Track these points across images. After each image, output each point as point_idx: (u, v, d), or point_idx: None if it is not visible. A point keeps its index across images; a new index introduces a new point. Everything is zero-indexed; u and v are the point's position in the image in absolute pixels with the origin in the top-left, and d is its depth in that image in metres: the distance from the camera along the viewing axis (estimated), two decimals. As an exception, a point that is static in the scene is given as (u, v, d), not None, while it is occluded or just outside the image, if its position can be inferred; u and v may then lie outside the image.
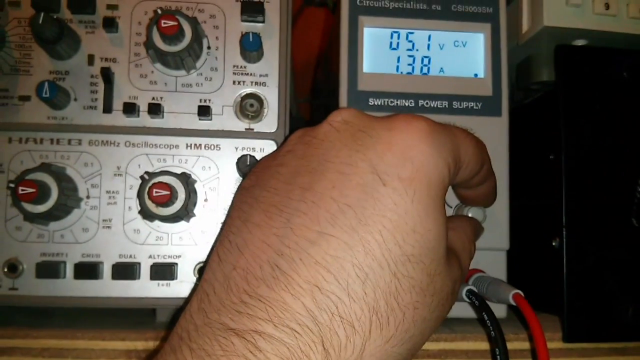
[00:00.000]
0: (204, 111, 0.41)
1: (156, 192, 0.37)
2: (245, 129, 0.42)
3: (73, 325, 0.39)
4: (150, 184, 0.38)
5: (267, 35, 0.43)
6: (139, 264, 0.40)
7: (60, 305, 0.40)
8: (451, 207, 0.41)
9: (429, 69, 0.44)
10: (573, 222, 0.41)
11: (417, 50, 0.44)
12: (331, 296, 0.24)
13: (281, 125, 0.42)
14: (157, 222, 0.40)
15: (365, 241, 0.25)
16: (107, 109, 0.41)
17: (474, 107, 0.43)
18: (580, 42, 0.47)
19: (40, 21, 0.38)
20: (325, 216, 0.26)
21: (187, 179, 0.39)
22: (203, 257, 0.41)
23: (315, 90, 0.76)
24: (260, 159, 0.34)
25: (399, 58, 0.44)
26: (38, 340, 0.38)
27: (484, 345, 0.40)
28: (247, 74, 0.42)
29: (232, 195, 0.34)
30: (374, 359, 0.24)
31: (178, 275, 0.40)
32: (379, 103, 0.43)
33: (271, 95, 0.42)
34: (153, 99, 0.41)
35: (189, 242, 0.41)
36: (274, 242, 0.26)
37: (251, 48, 0.41)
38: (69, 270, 0.40)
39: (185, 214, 0.39)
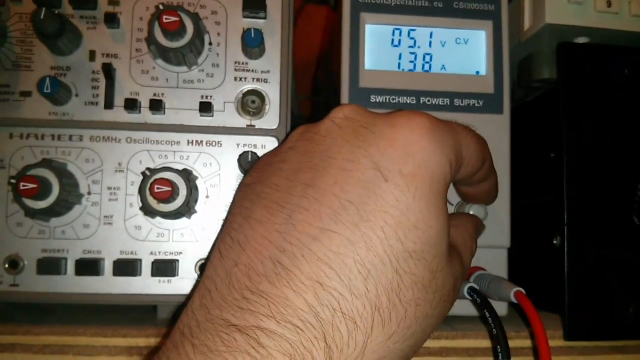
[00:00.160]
0: (205, 107, 0.41)
1: (157, 188, 0.37)
2: (247, 125, 0.42)
3: (74, 322, 0.39)
4: (151, 180, 0.37)
5: (269, 31, 0.43)
6: (140, 260, 0.40)
7: (61, 302, 0.40)
8: (452, 205, 0.41)
9: (430, 66, 0.44)
10: (574, 220, 0.41)
11: (418, 47, 0.44)
12: (333, 292, 0.24)
13: (282, 121, 0.42)
14: (158, 219, 0.40)
15: (367, 237, 0.25)
16: (109, 104, 0.41)
17: (476, 105, 0.43)
18: (581, 40, 0.47)
19: (42, 16, 0.38)
20: (327, 212, 0.26)
21: (188, 175, 0.39)
22: (204, 254, 0.40)
23: (316, 87, 0.76)
24: (262, 156, 0.34)
25: (400, 55, 0.44)
26: (39, 337, 0.38)
27: (485, 343, 0.40)
28: (249, 70, 0.42)
29: (234, 192, 0.34)
30: (375, 356, 0.24)
31: (179, 272, 0.40)
32: (381, 100, 0.43)
33: (273, 92, 0.42)
34: (154, 94, 0.41)
35: (190, 239, 0.41)
36: (276, 238, 0.26)
37: (253, 44, 0.41)
38: (70, 267, 0.40)
39: (186, 210, 0.39)
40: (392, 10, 0.44)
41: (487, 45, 0.44)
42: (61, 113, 0.41)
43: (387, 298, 0.25)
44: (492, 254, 0.43)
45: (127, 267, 0.40)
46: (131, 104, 0.40)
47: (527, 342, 0.40)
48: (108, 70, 0.40)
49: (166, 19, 0.38)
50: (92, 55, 0.41)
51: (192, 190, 0.39)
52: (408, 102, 0.43)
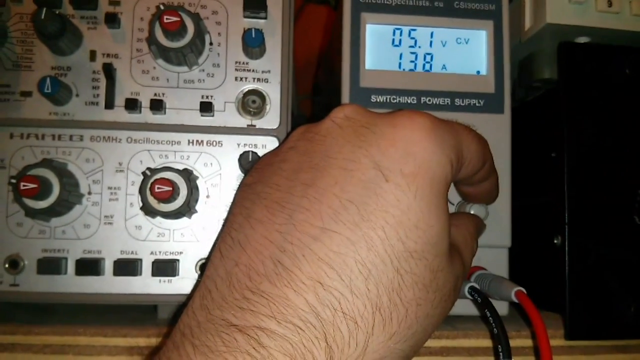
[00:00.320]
0: (206, 107, 0.41)
1: (158, 188, 0.37)
2: (247, 125, 0.42)
3: (74, 322, 0.39)
4: (152, 180, 0.37)
5: (270, 31, 0.43)
6: (141, 260, 0.40)
7: (61, 302, 0.40)
8: (453, 205, 0.41)
9: (431, 65, 0.44)
10: (575, 220, 0.41)
11: (419, 47, 0.44)
12: (334, 292, 0.24)
13: (283, 121, 0.42)
14: (158, 219, 0.40)
15: (368, 237, 0.25)
16: (109, 104, 0.41)
17: (476, 104, 0.43)
18: (582, 40, 0.47)
19: (43, 17, 0.38)
20: (327, 212, 0.26)
21: (189, 175, 0.39)
22: (205, 254, 0.40)
23: (317, 87, 0.76)
24: (262, 156, 0.34)
25: (401, 55, 0.44)
26: (39, 337, 0.38)
27: (486, 343, 0.40)
28: (249, 70, 0.42)
29: (234, 192, 0.33)
30: (376, 356, 0.24)
31: (180, 272, 0.40)
32: (381, 100, 0.43)
33: (273, 92, 0.42)
34: (155, 94, 0.41)
35: (191, 239, 0.41)
36: (277, 238, 0.26)
37: (253, 44, 0.41)
38: (70, 267, 0.40)
39: (187, 210, 0.39)
40: (393, 10, 0.44)
41: (488, 45, 0.44)
42: (62, 113, 0.41)
43: (388, 298, 0.25)
44: (493, 254, 0.43)
45: (127, 267, 0.39)
46: (132, 104, 0.40)
47: (528, 342, 0.40)
48: (109, 70, 0.40)
49: (167, 19, 0.38)
50: (92, 55, 0.41)
51: (193, 190, 0.39)
52: (409, 102, 0.43)
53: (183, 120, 0.41)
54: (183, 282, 0.40)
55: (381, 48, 0.44)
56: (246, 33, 0.41)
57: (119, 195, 0.40)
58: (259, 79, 0.42)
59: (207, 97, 0.42)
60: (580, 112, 0.43)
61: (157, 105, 0.41)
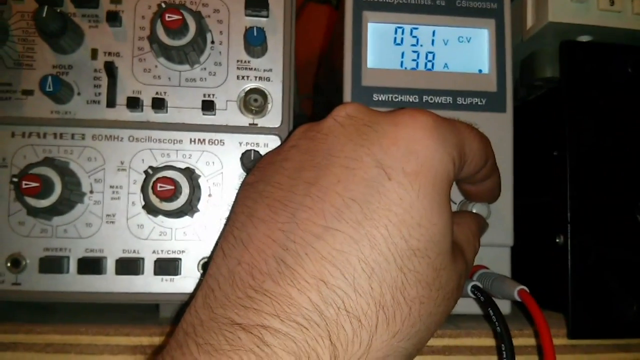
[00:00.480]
0: (207, 106, 0.41)
1: (160, 187, 0.37)
2: (249, 124, 0.42)
3: (76, 321, 0.39)
4: (154, 179, 0.37)
5: (271, 29, 0.43)
6: (143, 259, 0.40)
7: (63, 301, 0.40)
8: (455, 203, 0.41)
9: (433, 64, 0.44)
10: (577, 219, 0.41)
11: (421, 45, 0.44)
12: (337, 291, 0.24)
13: (285, 120, 0.42)
14: (161, 217, 0.40)
15: (371, 235, 0.25)
16: (111, 103, 0.41)
17: (478, 103, 0.43)
18: (584, 38, 0.47)
19: (44, 15, 0.38)
20: (330, 210, 0.26)
21: (191, 174, 0.39)
22: (207, 253, 0.40)
23: (318, 86, 0.76)
24: (264, 155, 0.34)
25: (403, 53, 0.44)
26: (41, 336, 0.38)
27: (489, 342, 0.40)
28: (251, 68, 0.42)
29: (236, 191, 0.33)
30: (380, 354, 0.24)
31: (182, 271, 0.40)
32: (383, 98, 0.43)
33: (275, 90, 0.42)
34: (157, 93, 0.41)
35: (193, 237, 0.41)
36: (279, 237, 0.26)
37: (255, 43, 0.41)
38: (73, 266, 0.39)
39: (189, 209, 0.39)
40: (395, 9, 0.44)
41: (490, 43, 0.44)
42: (63, 112, 0.41)
43: (392, 296, 0.25)
44: (495, 253, 0.43)
45: (129, 265, 0.39)
46: (133, 103, 0.40)
47: (531, 341, 0.40)
48: (110, 69, 0.40)
49: (168, 17, 0.38)
50: (94, 53, 0.41)
51: (195, 189, 0.39)
52: (411, 100, 0.43)
53: (185, 119, 0.41)
54: (185, 281, 0.40)
55: (383, 47, 0.44)
56: (248, 31, 0.41)
57: (120, 194, 0.40)
58: (260, 78, 0.42)
59: (208, 95, 0.42)
60: (582, 111, 0.43)
61: (158, 103, 0.41)
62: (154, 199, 0.38)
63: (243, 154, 0.41)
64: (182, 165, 0.40)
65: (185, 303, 0.31)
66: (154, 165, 0.40)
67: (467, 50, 0.44)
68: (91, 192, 0.40)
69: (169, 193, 0.37)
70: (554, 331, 0.40)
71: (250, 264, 0.25)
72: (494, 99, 0.44)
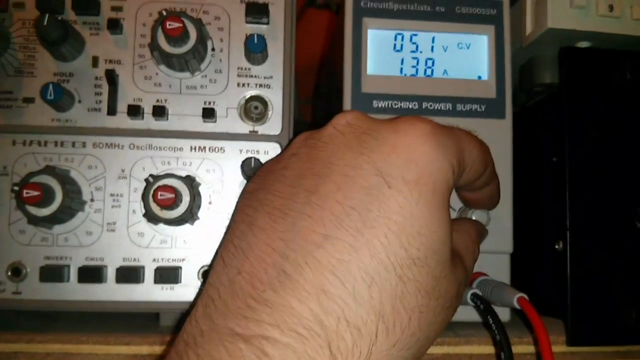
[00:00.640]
0: (208, 113, 0.41)
1: (161, 195, 0.37)
2: (250, 131, 0.42)
3: (77, 330, 0.39)
4: (154, 187, 0.37)
5: (271, 36, 0.43)
6: (143, 267, 0.40)
7: (64, 309, 0.40)
8: (455, 210, 0.41)
9: (432, 71, 0.44)
10: (577, 225, 0.41)
11: (421, 52, 0.44)
12: (337, 300, 0.24)
13: (285, 127, 0.42)
14: (161, 225, 0.40)
15: (371, 244, 0.25)
16: (112, 111, 0.41)
17: (478, 110, 0.43)
18: (584, 44, 0.47)
19: (45, 22, 0.38)
20: (330, 219, 0.25)
21: (191, 182, 0.39)
22: (207, 261, 0.40)
23: (318, 92, 0.76)
24: (265, 163, 0.34)
25: (402, 60, 0.44)
26: (42, 345, 0.38)
27: (488, 349, 0.40)
28: (252, 76, 0.42)
29: (237, 198, 0.34)
30: (380, 364, 0.24)
31: (182, 279, 0.40)
32: (383, 105, 0.43)
33: (275, 98, 0.42)
34: (157, 101, 0.41)
35: (193, 246, 0.41)
36: (279, 246, 0.26)
37: (256, 50, 0.41)
38: (73, 274, 0.39)
39: (189, 217, 0.39)
40: (395, 15, 0.44)
41: (489, 50, 0.44)
42: (64, 119, 0.41)
43: (391, 305, 0.25)
44: (495, 260, 0.43)
45: (130, 274, 0.39)
46: (134, 110, 0.40)
47: (531, 348, 0.40)
48: (111, 77, 0.40)
49: (169, 25, 0.38)
50: (95, 61, 0.41)
51: (195, 196, 0.39)
52: (410, 107, 0.43)
53: (185, 127, 0.41)
54: (185, 290, 0.40)
55: (383, 53, 0.44)
56: (248, 39, 0.41)
57: (121, 202, 0.40)
58: (261, 85, 0.42)
59: (209, 103, 0.42)
60: (581, 117, 0.43)
61: (159, 111, 0.41)
62: (154, 207, 0.38)
63: (243, 161, 0.41)
64: (183, 173, 0.40)
65: (185, 312, 0.31)
66: (155, 173, 0.40)
67: (467, 57, 0.44)
68: (92, 200, 0.40)
69: (170, 201, 0.37)
70: (553, 338, 0.40)
71: (250, 273, 0.25)
72: (494, 106, 0.44)
